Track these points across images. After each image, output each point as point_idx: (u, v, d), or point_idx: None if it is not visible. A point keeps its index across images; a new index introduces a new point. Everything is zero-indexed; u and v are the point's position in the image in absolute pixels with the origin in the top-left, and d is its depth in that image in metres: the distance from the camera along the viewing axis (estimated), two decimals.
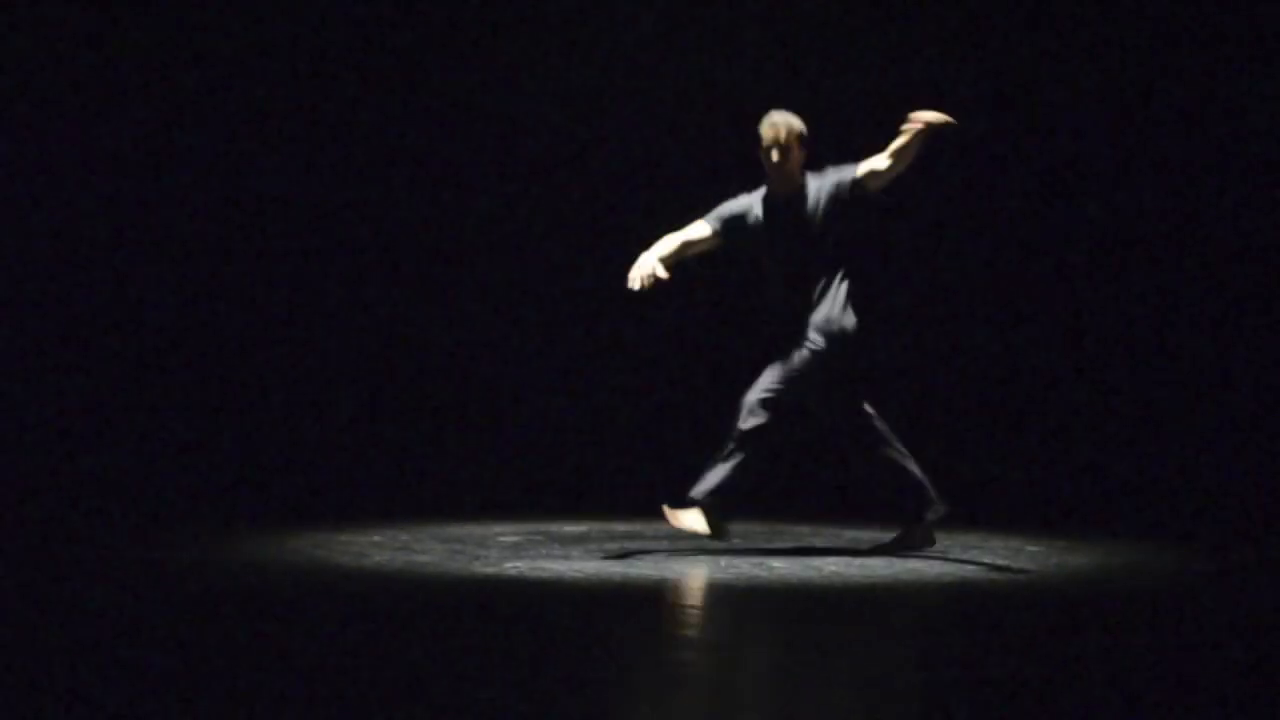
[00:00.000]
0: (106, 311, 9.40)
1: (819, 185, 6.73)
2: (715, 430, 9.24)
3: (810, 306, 6.73)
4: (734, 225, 6.81)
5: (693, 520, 6.70)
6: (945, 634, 5.18)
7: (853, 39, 9.53)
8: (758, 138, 6.74)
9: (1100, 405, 9.28)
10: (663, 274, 6.63)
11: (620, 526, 7.63)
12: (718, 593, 5.91)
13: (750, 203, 6.83)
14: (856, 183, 6.69)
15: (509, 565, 6.32)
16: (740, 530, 7.09)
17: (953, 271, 9.52)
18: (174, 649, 4.63)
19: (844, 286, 6.76)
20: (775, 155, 6.68)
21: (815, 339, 6.70)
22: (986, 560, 6.66)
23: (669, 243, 6.75)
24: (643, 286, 6.65)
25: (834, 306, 6.72)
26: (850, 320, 6.73)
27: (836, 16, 9.58)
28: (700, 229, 6.81)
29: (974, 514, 8.33)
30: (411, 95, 9.63)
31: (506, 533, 7.37)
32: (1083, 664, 4.59)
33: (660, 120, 9.63)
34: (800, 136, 6.71)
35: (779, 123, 6.70)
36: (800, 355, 6.72)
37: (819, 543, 7.23)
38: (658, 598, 5.78)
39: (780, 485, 9.11)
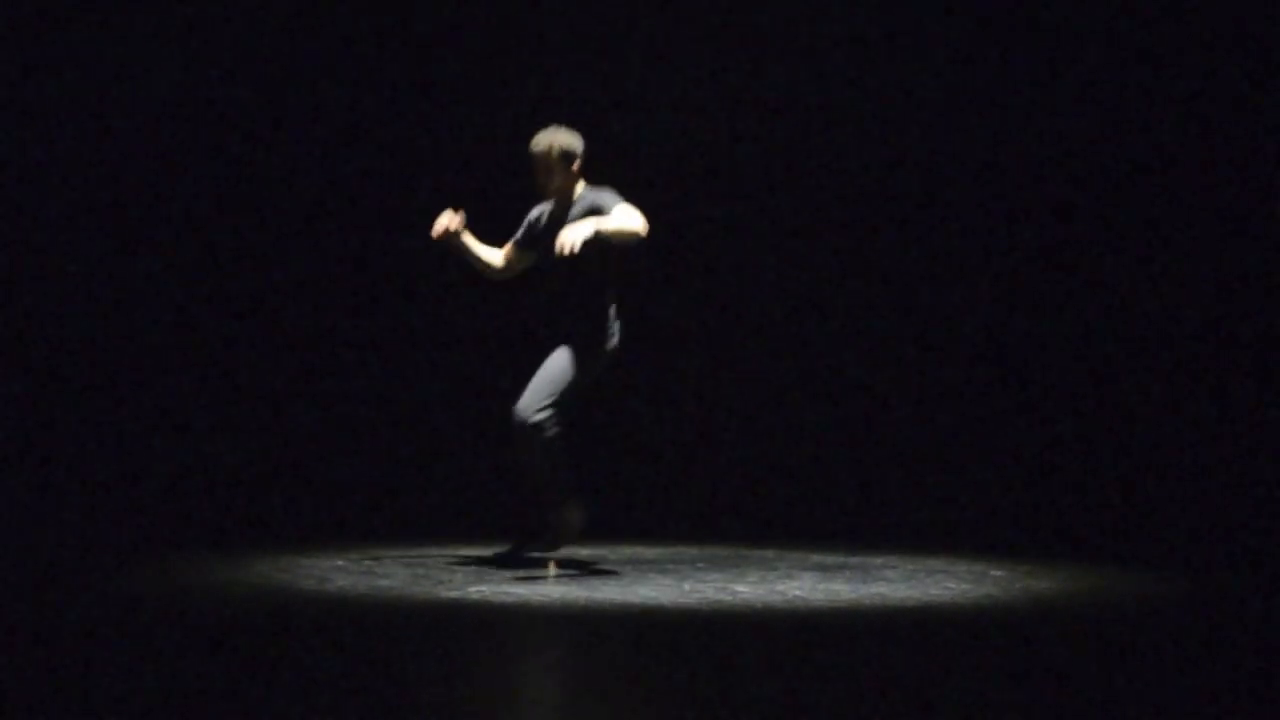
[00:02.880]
0: (67, 334, 9.35)
1: (588, 200, 7.02)
2: (678, 453, 9.24)
3: (573, 313, 7.01)
4: (528, 236, 7.27)
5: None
6: (900, 657, 5.17)
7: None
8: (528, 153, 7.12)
9: (1066, 429, 9.30)
10: (456, 225, 7.13)
11: (584, 551, 7.61)
12: (681, 618, 5.90)
13: (538, 211, 7.28)
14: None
15: (473, 589, 6.30)
16: (705, 554, 7.10)
17: (920, 294, 9.53)
18: (133, 673, 4.60)
19: (606, 298, 7.03)
20: (541, 171, 7.07)
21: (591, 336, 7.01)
22: (951, 584, 6.67)
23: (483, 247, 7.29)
24: (440, 236, 7.14)
25: (597, 316, 7.00)
26: (606, 332, 7.01)
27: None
28: (505, 250, 7.33)
29: (940, 537, 8.34)
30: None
31: (471, 557, 7.35)
32: (1043, 688, 4.59)
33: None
34: (565, 154, 7.05)
35: (545, 140, 7.06)
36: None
37: (784, 566, 7.22)
38: (623, 623, 5.77)
39: (744, 509, 9.13)
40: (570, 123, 7.19)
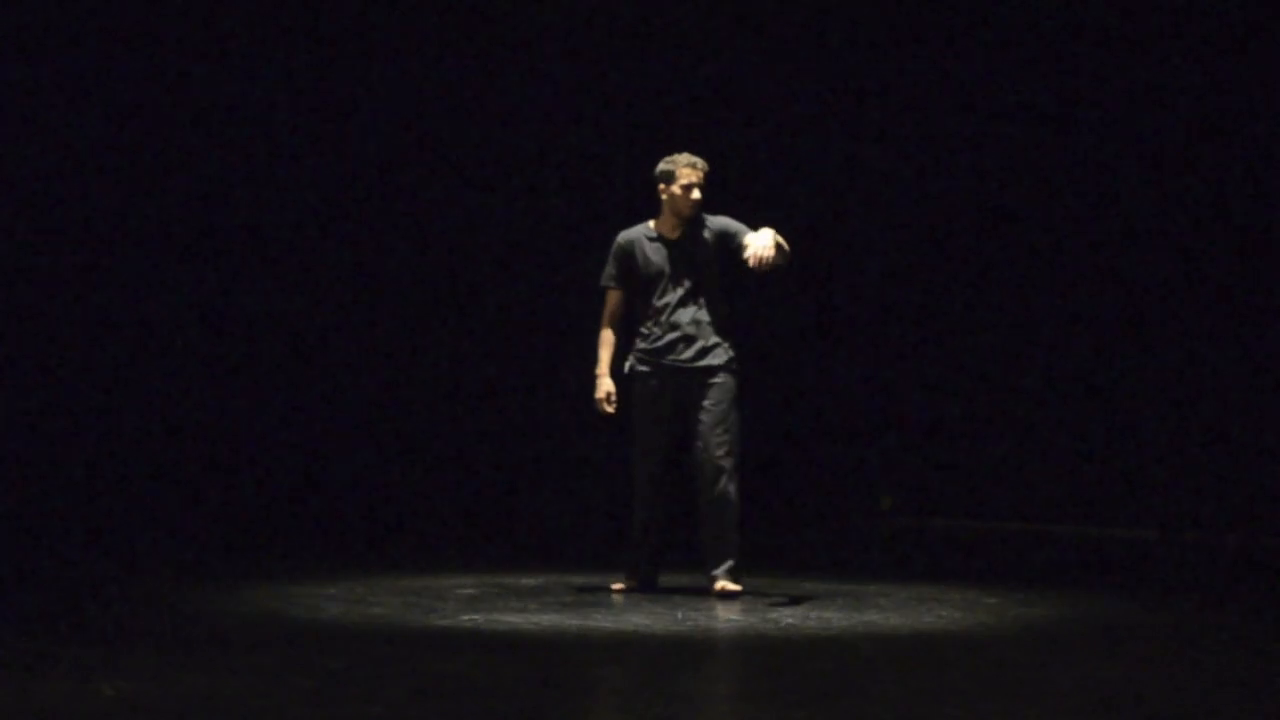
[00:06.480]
0: (71, 357, 9.36)
1: (711, 224, 7.08)
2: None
3: (703, 331, 7.06)
4: (627, 270, 7.16)
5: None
6: (889, 684, 5.17)
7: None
8: (668, 175, 7.07)
9: (1061, 455, 9.31)
10: (610, 408, 7.14)
11: (577, 579, 7.60)
12: (674, 645, 5.89)
13: (631, 240, 7.17)
14: (740, 245, 6.98)
15: (465, 618, 6.29)
16: (701, 582, 7.08)
17: (906, 315, 9.56)
18: (123, 701, 4.59)
19: (727, 316, 7.11)
20: (698, 194, 7.06)
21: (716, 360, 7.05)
22: (943, 612, 6.66)
23: (605, 345, 7.16)
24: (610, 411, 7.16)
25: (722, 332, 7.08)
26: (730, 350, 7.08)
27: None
28: (613, 299, 7.20)
29: (932, 566, 8.35)
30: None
31: (463, 585, 7.34)
32: (1032, 716, 4.59)
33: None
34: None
35: (700, 164, 7.08)
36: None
37: (776, 594, 7.22)
38: (616, 650, 5.76)
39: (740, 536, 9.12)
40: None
